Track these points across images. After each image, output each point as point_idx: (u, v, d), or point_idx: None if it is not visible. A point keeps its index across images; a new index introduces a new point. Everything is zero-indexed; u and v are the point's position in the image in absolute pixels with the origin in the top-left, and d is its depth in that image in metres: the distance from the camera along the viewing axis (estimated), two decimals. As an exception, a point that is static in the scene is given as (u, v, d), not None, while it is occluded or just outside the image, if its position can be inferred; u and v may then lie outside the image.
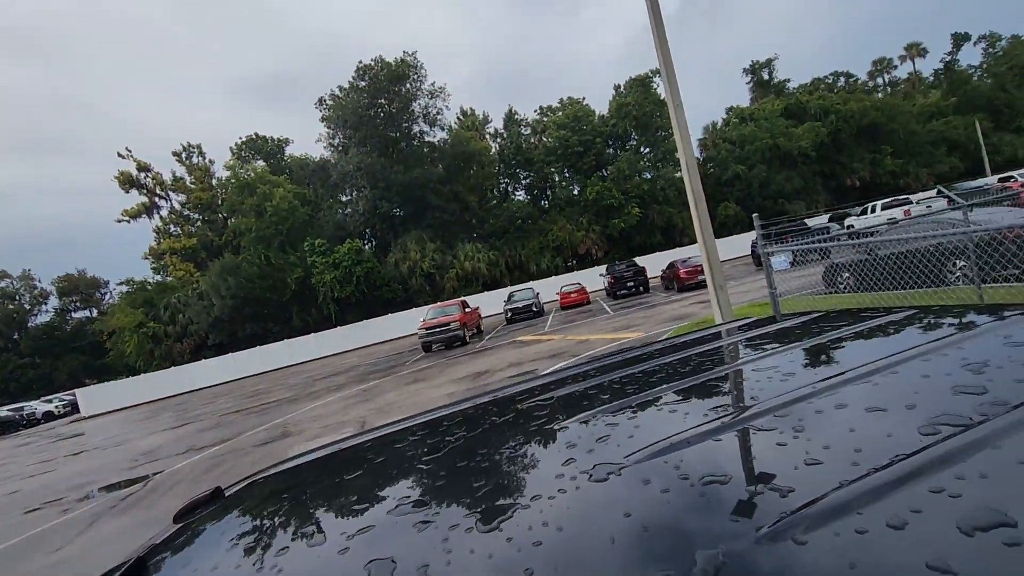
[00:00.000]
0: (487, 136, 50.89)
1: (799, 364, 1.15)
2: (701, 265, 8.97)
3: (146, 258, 47.97)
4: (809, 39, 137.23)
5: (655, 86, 46.23)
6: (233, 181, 43.57)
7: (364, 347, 35.83)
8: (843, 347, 1.21)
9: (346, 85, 43.01)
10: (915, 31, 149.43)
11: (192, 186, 47.95)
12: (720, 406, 0.94)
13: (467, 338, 20.70)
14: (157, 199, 48.05)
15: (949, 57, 61.76)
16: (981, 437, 0.62)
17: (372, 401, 11.77)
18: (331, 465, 1.17)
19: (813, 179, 47.14)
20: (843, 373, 0.95)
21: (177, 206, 48.65)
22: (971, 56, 64.40)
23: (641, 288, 25.77)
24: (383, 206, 42.59)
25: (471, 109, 51.77)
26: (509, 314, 25.76)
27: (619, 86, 50.02)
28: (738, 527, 0.55)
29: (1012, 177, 28.56)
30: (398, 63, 42.56)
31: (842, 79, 60.18)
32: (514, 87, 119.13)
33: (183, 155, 48.73)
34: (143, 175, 47.26)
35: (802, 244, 8.26)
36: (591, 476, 0.74)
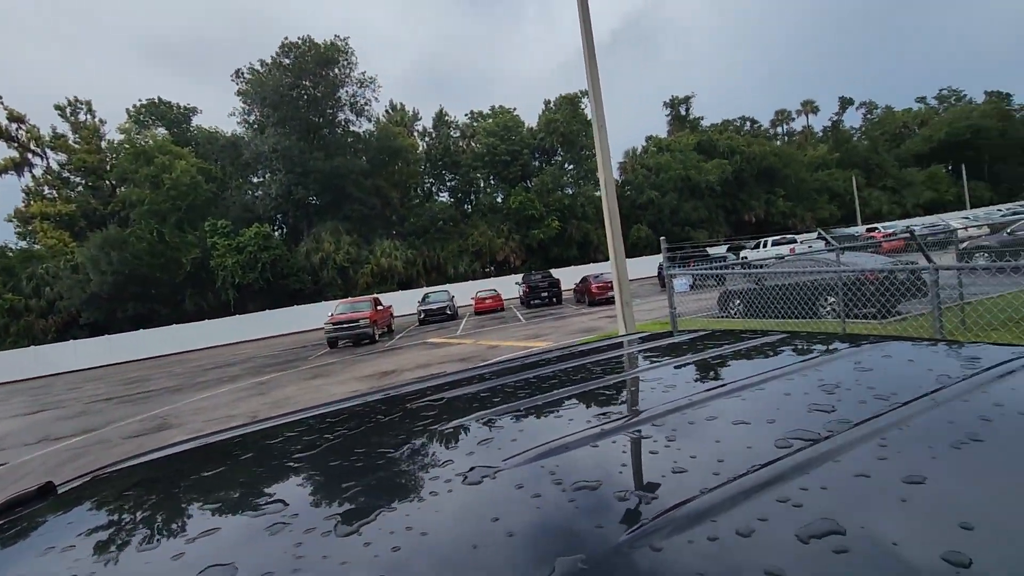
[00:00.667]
0: (415, 133, 50.19)
1: (681, 377, 1.23)
2: (612, 281, 9.42)
3: (10, 220, 42.11)
4: (724, 83, 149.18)
5: (583, 106, 47.94)
6: (127, 146, 39.53)
7: (264, 338, 33.74)
8: (722, 364, 1.32)
9: (268, 61, 40.64)
10: (811, 90, 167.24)
11: (76, 146, 42.80)
12: (603, 413, 0.97)
13: (376, 336, 20.16)
14: (30, 155, 42.42)
15: (836, 117, 69.70)
16: (826, 451, 0.68)
17: (267, 395, 11.12)
18: (189, 461, 1.08)
19: (716, 211, 50.96)
20: (718, 387, 1.03)
21: (55, 166, 43.22)
22: (854, 119, 73.19)
23: (555, 299, 26.47)
24: (298, 192, 40.50)
25: (401, 104, 50.91)
26: (422, 315, 25.43)
27: (549, 102, 51.36)
28: (601, 533, 0.55)
29: (876, 228, 32.75)
30: (327, 46, 40.90)
31: (748, 124, 65.87)
32: (447, 88, 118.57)
33: (68, 111, 43.43)
34: (15, 126, 41.55)
35: (701, 270, 8.90)
36: (465, 479, 0.73)
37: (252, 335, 34.66)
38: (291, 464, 0.94)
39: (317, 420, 1.23)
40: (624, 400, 1.10)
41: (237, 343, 33.49)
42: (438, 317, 25.32)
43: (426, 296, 27.49)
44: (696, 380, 1.19)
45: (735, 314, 9.80)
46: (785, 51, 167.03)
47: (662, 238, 8.02)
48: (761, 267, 10.79)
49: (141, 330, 34.50)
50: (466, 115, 51.73)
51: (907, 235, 8.10)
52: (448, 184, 50.14)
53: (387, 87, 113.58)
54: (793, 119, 69.27)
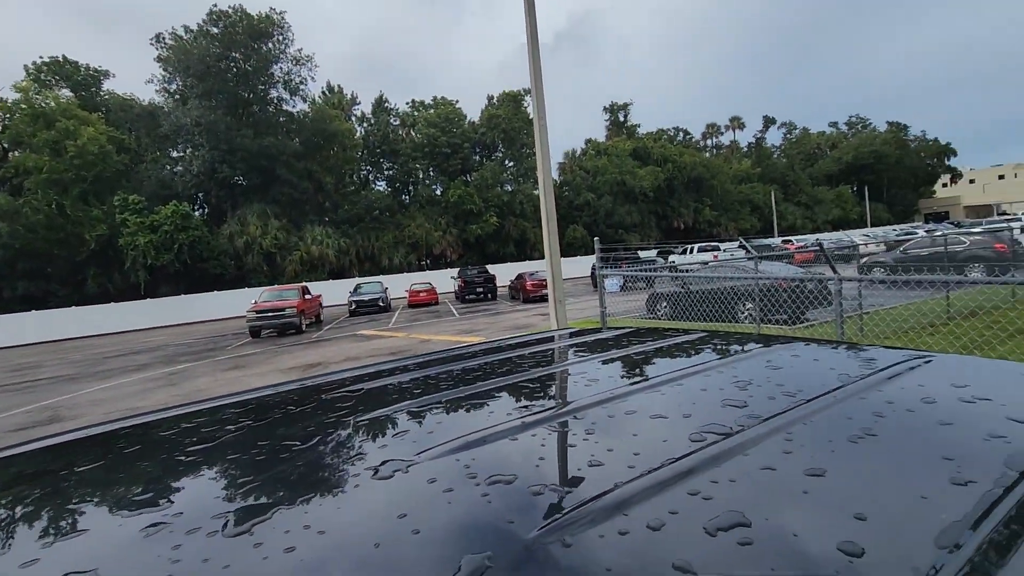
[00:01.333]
0: (353, 118, 48.53)
1: (605, 372, 1.25)
2: (546, 279, 9.55)
3: None
4: (660, 93, 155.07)
5: (525, 105, 48.23)
6: (24, 107, 35.51)
7: (179, 325, 31.52)
8: (644, 360, 1.35)
9: (194, 28, 37.82)
10: (739, 107, 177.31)
11: (-40, 102, 37.97)
12: (525, 406, 0.96)
13: (303, 326, 19.36)
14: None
15: (760, 134, 74.24)
16: (735, 445, 0.70)
17: (178, 386, 10.41)
18: (63, 455, 0.97)
19: (649, 216, 52.96)
20: (639, 382, 1.05)
21: (-67, 123, 38.12)
22: (775, 137, 78.47)
23: (490, 295, 26.52)
24: (223, 171, 38.02)
25: (339, 86, 49.05)
26: (353, 306, 24.71)
27: (492, 97, 51.29)
28: (512, 529, 0.54)
29: (791, 240, 35.26)
30: (261, 18, 38.62)
31: (681, 134, 68.86)
32: (388, 75, 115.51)
33: (-49, 61, 38.40)
34: None
35: (632, 272, 9.19)
36: (376, 474, 0.70)
37: (165, 321, 32.28)
38: (183, 458, 0.86)
39: (220, 411, 1.15)
40: (547, 394, 1.09)
41: (148, 329, 31.07)
42: (370, 309, 24.70)
43: (358, 287, 26.72)
44: (618, 375, 1.22)
45: (662, 316, 10.23)
46: (718, 68, 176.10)
47: (596, 239, 8.21)
48: (687, 272, 11.32)
49: (33, 311, 31.23)
50: (407, 103, 50.68)
51: (817, 248, 8.76)
52: (386, 173, 48.91)
53: (325, 68, 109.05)
54: (722, 133, 73.06)
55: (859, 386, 0.94)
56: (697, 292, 9.26)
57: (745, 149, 72.09)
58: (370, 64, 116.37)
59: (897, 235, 30.26)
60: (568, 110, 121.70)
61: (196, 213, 38.99)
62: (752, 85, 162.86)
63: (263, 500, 0.66)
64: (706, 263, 14.57)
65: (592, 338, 1.70)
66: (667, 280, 10.62)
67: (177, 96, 39.45)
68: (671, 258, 31.68)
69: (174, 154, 41.03)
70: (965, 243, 15.80)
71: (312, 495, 0.67)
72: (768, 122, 74.52)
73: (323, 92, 47.54)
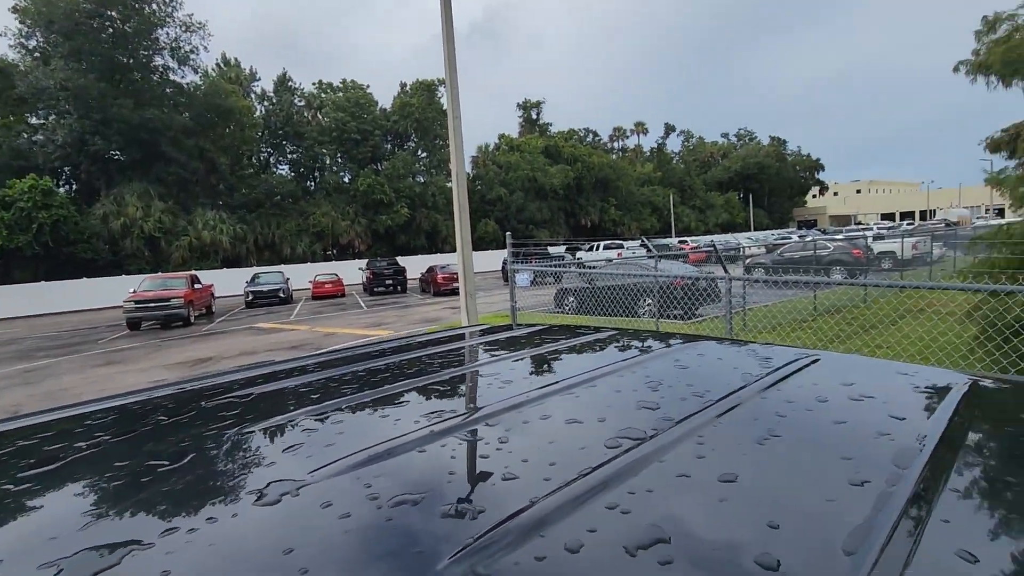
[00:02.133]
0: (252, 96, 45.20)
1: (518, 373, 1.21)
2: (457, 273, 9.52)
3: None
4: (572, 94, 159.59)
5: (440, 95, 47.59)
6: None
7: (40, 316, 27.68)
8: (557, 359, 1.34)
9: (60, -23, 33.19)
10: (644, 112, 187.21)
11: None
12: (435, 412, 0.89)
13: (192, 318, 17.80)
14: None
15: (661, 140, 78.94)
16: (651, 451, 0.68)
17: (36, 385, 9.19)
18: None
19: (558, 213, 54.51)
20: (553, 384, 1.03)
21: None
22: (675, 143, 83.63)
23: (399, 287, 25.98)
24: (95, 143, 33.78)
25: (236, 60, 45.41)
26: (250, 296, 23.12)
27: (406, 85, 50.06)
28: (419, 560, 0.48)
29: (686, 240, 37.93)
30: (144, -25, 34.79)
31: (590, 135, 71.48)
32: (292, 52, 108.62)
33: None
34: None
35: (542, 266, 9.42)
36: (259, 498, 0.59)
37: (20, 311, 28.22)
38: (9, 487, 0.69)
39: (70, 423, 0.97)
40: (457, 397, 1.03)
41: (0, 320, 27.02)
42: (269, 300, 23.24)
43: (256, 276, 25.04)
44: (531, 376, 1.19)
45: (569, 310, 10.59)
46: (626, 73, 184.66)
47: (508, 233, 8.33)
48: (593, 268, 11.80)
49: None
50: (313, 84, 48.04)
51: (710, 248, 9.47)
52: (289, 156, 46.11)
53: (220, 38, 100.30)
54: (627, 136, 76.71)
55: (760, 385, 0.98)
56: (602, 288, 9.69)
57: (648, 153, 76.29)
58: (272, 39, 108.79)
59: (775, 239, 33.58)
60: (482, 103, 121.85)
61: (61, 190, 34.38)
62: (656, 92, 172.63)
63: (109, 541, 0.53)
64: (611, 260, 15.28)
65: (503, 336, 1.66)
66: (575, 276, 11.01)
67: (38, 54, 34.47)
68: (579, 254, 32.85)
69: (33, 120, 35.82)
70: (830, 248, 17.87)
71: (177, 529, 0.55)
72: (669, 129, 79.41)
73: (218, 65, 43.81)
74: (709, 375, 1.12)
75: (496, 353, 1.42)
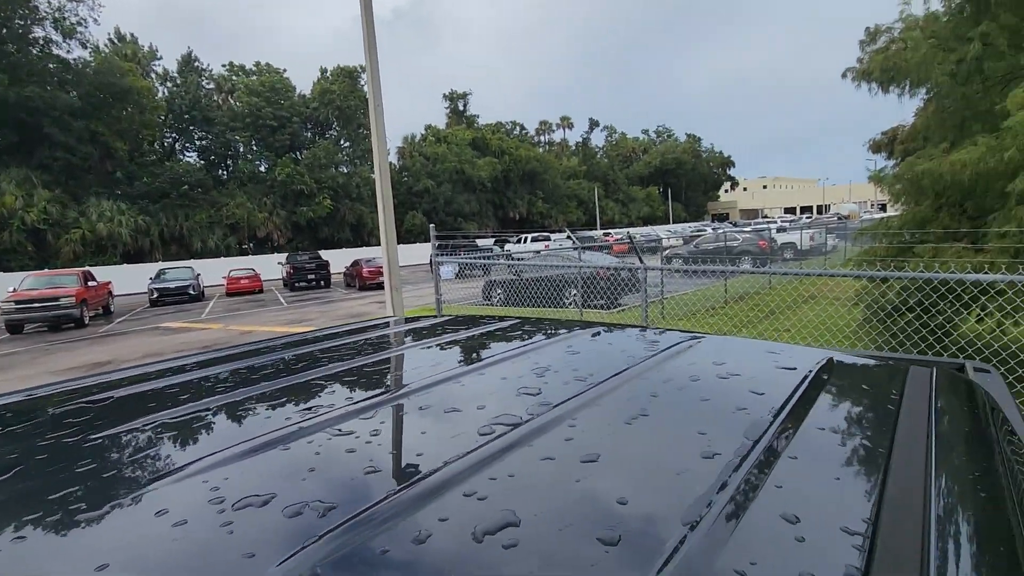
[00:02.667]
0: (153, 76, 41.56)
1: (402, 364, 1.21)
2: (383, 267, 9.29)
3: None
4: (498, 86, 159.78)
5: (362, 83, 45.99)
6: None
7: None
8: (451, 348, 1.33)
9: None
10: (569, 107, 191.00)
11: None
12: (309, 408, 0.85)
13: (86, 319, 16.20)
14: None
15: (586, 135, 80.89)
16: (522, 436, 0.69)
17: None
18: None
19: (486, 206, 54.58)
20: (441, 374, 1.01)
21: None
22: (599, 138, 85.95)
23: (323, 282, 25.03)
24: (-39, 123, 29.80)
25: (132, 35, 41.47)
26: (155, 294, 21.38)
27: (326, 70, 47.96)
28: (250, 564, 0.45)
29: (610, 232, 39.22)
30: (18, -65, 30.91)
31: (518, 128, 71.92)
32: (198, 30, 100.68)
33: None
34: None
35: (465, 258, 9.41)
36: (93, 509, 0.55)
37: None
38: None
39: None
40: (339, 390, 0.99)
41: None
42: (177, 297, 21.59)
43: (161, 272, 23.19)
44: (414, 368, 1.18)
45: (497, 303, 10.65)
46: (551, 67, 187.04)
47: (431, 225, 8.23)
48: (520, 260, 11.92)
49: None
50: (224, 66, 44.90)
51: (629, 240, 9.83)
52: (198, 143, 42.94)
53: (114, 13, 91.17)
54: (553, 131, 77.92)
55: (641, 367, 1.02)
56: (529, 280, 9.82)
57: (573, 148, 77.98)
58: (174, 15, 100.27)
59: (691, 231, 35.47)
60: (408, 93, 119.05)
61: (-82, 175, 29.99)
62: (581, 87, 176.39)
63: None
64: (538, 252, 15.50)
65: (397, 329, 1.65)
66: (502, 268, 11.07)
67: None
68: (507, 247, 33.10)
69: None
70: (739, 240, 19.15)
71: None
72: (593, 124, 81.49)
73: (111, 40, 39.81)
74: (595, 359, 1.16)
75: (384, 345, 1.40)
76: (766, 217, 65.52)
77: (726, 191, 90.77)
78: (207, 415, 0.87)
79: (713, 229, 32.90)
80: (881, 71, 6.05)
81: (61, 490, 0.60)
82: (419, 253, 38.20)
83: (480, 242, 30.55)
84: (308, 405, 0.88)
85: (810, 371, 0.99)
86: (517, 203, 57.11)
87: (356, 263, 23.62)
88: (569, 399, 0.84)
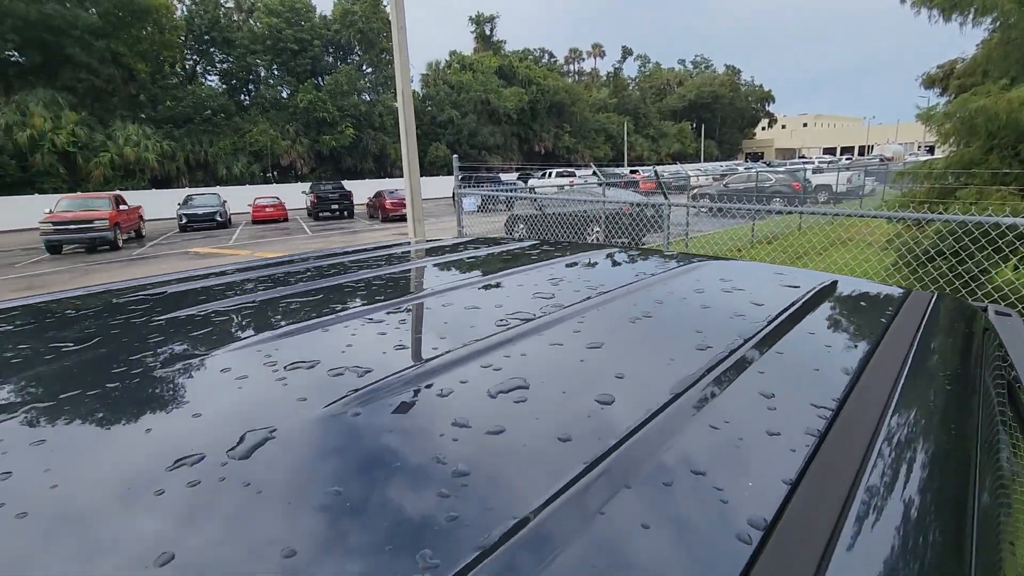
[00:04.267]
0: (172, -7, 40.23)
1: (434, 272, 1.32)
2: (406, 198, 9.26)
3: None
4: (527, 8, 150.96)
5: (385, 3, 43.91)
6: None
7: (-61, 239, 25.18)
8: (468, 262, 1.42)
9: None
10: (602, 34, 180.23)
11: None
12: (347, 303, 0.99)
13: (120, 242, 16.71)
14: None
15: (618, 65, 76.96)
16: (533, 327, 0.81)
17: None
18: None
19: (511, 139, 53.11)
20: (463, 281, 1.13)
21: None
22: (631, 68, 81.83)
23: (346, 212, 25.14)
24: (-14, 41, 29.61)
25: (149, -52, 39.76)
26: (184, 220, 21.77)
27: (347, -11, 45.78)
28: (302, 406, 0.58)
29: (637, 170, 38.08)
30: None
31: (546, 56, 68.63)
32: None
33: None
34: None
35: (488, 191, 9.31)
36: (177, 367, 0.66)
37: (-83, 233, 25.55)
38: None
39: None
40: (372, 289, 1.12)
41: None
42: (205, 223, 21.98)
43: (189, 198, 23.48)
44: (445, 274, 1.32)
45: (519, 238, 10.62)
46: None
47: (454, 156, 8.09)
48: (543, 195, 11.74)
49: None
50: (242, -17, 43.12)
51: (656, 177, 9.57)
52: (219, 66, 42.05)
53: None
54: (584, 59, 74.37)
55: (649, 280, 1.13)
56: (552, 215, 9.70)
57: (604, 78, 74.46)
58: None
59: (723, 171, 34.23)
60: (433, 16, 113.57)
61: (-50, 95, 30.29)
62: (614, 12, 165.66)
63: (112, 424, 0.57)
64: (562, 187, 15.21)
65: (422, 246, 1.79)
66: (525, 203, 10.94)
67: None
68: (530, 181, 32.52)
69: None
70: (772, 180, 18.44)
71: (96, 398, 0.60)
72: (626, 52, 77.28)
73: (127, -47, 38.29)
74: (606, 274, 1.26)
75: (414, 257, 1.55)
76: (803, 157, 62.52)
77: (763, 128, 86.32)
78: (261, 305, 1.01)
79: (745, 168, 31.67)
80: (944, -5, 5.53)
81: (153, 351, 0.75)
82: (441, 186, 37.87)
83: (503, 176, 30.06)
84: (345, 302, 1.01)
85: (807, 290, 1.05)
86: (543, 136, 55.43)
87: (379, 194, 23.57)
88: (579, 303, 0.94)
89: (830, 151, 74.48)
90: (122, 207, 17.99)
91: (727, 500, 0.42)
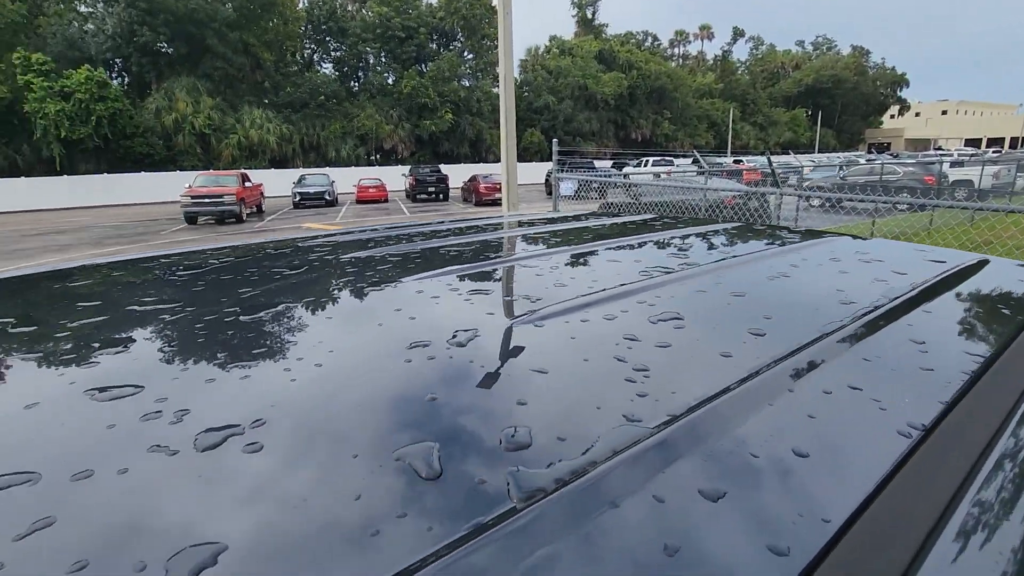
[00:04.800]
0: (295, -14, 43.30)
1: (534, 238, 1.44)
2: (500, 183, 9.41)
3: None
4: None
5: (489, -11, 44.43)
6: None
7: (103, 207, 29.25)
8: (586, 229, 1.47)
9: None
10: (711, 14, 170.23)
11: None
12: (448, 262, 1.09)
13: (244, 216, 18.49)
14: None
15: (727, 47, 72.46)
16: (630, 291, 0.85)
17: (110, 270, 9.90)
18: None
19: (607, 125, 51.95)
20: (572, 247, 1.24)
21: None
22: (742, 51, 76.77)
23: (441, 195, 25.98)
24: (144, 34, 33.61)
25: (279, -55, 43.00)
26: (297, 198, 23.63)
27: (454, -24, 46.76)
28: (492, 318, 0.77)
29: (741, 160, 35.83)
30: None
31: (649, 39, 66.12)
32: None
33: None
34: None
35: (585, 176, 9.20)
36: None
37: (87, 201, 29.83)
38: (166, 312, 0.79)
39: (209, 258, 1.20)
40: (476, 250, 1.20)
41: (67, 209, 28.71)
42: (315, 201, 23.72)
43: (303, 178, 25.41)
44: (547, 241, 1.37)
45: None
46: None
47: (554, 140, 8.08)
48: (640, 184, 11.43)
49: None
50: (358, -26, 45.46)
51: (766, 168, 8.98)
52: (333, 54, 44.81)
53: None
54: (690, 42, 70.81)
55: (766, 253, 1.14)
56: (647, 204, 9.43)
57: (711, 62, 70.52)
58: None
59: (841, 162, 31.32)
60: (534, 3, 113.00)
61: (115, 82, 34.86)
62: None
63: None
64: (658, 175, 14.69)
65: (564, 215, 1.87)
66: (619, 190, 10.71)
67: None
68: (625, 170, 31.67)
69: (82, 8, 35.69)
70: (899, 173, 16.60)
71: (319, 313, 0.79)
72: (737, 34, 72.57)
73: (259, -50, 41.69)
74: (716, 248, 1.27)
75: (520, 225, 1.68)
76: (939, 149, 55.43)
77: (892, 116, 77.47)
78: (387, 256, 1.16)
79: (867, 160, 28.72)
80: None
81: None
82: (533, 172, 37.89)
83: (597, 163, 29.51)
84: (444, 262, 1.09)
85: (946, 270, 0.98)
86: (641, 123, 53.67)
87: (473, 178, 24.11)
88: (678, 270, 0.97)
89: (973, 143, 65.49)
90: (247, 184, 19.87)
91: (824, 484, 0.41)
